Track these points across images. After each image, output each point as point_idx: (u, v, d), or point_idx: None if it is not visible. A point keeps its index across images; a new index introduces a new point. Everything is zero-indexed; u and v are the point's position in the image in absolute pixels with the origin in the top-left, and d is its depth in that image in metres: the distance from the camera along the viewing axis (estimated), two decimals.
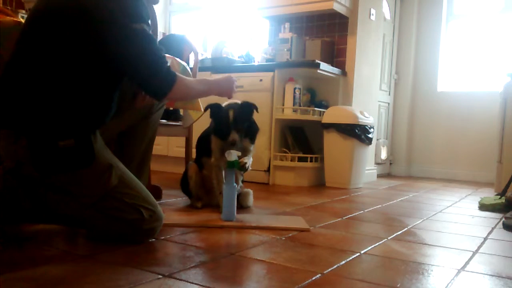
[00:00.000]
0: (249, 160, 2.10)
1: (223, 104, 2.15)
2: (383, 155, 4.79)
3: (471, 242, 1.79)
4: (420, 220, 2.22)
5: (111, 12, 1.40)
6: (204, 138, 2.30)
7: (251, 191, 2.40)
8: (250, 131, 2.17)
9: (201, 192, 2.33)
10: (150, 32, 1.47)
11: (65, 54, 1.41)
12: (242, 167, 2.03)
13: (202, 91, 1.75)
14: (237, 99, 2.18)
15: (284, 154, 3.55)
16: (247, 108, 2.13)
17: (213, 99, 1.97)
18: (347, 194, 3.13)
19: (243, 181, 2.42)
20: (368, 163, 3.95)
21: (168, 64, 1.52)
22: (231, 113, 2.05)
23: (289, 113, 3.55)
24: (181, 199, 2.49)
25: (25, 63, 1.43)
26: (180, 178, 2.43)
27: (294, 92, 3.53)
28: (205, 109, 2.17)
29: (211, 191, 2.28)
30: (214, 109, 2.14)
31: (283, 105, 3.56)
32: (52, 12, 1.43)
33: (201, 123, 2.64)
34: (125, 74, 1.53)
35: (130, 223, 1.47)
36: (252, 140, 2.19)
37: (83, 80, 1.44)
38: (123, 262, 1.28)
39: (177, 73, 1.54)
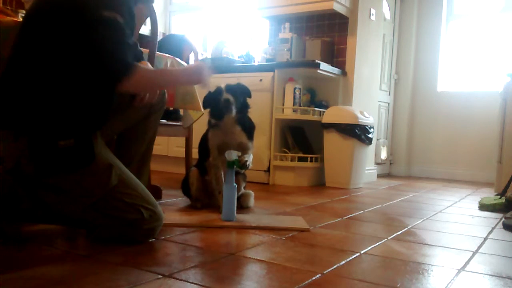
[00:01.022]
0: (249, 158, 2.09)
1: None
2: (383, 155, 4.79)
3: (471, 242, 1.79)
4: (420, 220, 2.22)
5: (90, 2, 1.40)
6: (206, 139, 2.29)
7: (252, 193, 2.40)
8: (247, 128, 2.16)
9: (203, 195, 2.32)
10: (122, 21, 1.43)
11: (61, 53, 1.40)
12: (243, 166, 2.02)
13: (166, 81, 1.65)
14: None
15: (284, 154, 3.55)
16: (241, 86, 2.17)
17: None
18: (347, 194, 3.13)
19: (245, 187, 2.41)
20: (368, 163, 3.95)
21: (166, 64, 1.50)
22: (224, 87, 2.09)
23: (289, 113, 3.55)
24: (181, 199, 2.49)
25: (24, 63, 1.43)
26: (181, 180, 2.42)
27: (294, 92, 3.53)
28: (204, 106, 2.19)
29: (213, 195, 2.27)
30: (207, 95, 2.15)
31: (283, 105, 3.56)
32: (46, 11, 1.43)
33: (201, 123, 2.64)
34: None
35: (130, 223, 1.47)
36: (250, 137, 2.18)
37: (80, 78, 1.43)
38: (123, 262, 1.28)
39: (141, 65, 1.49)
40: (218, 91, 2.10)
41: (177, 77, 1.67)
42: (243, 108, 2.16)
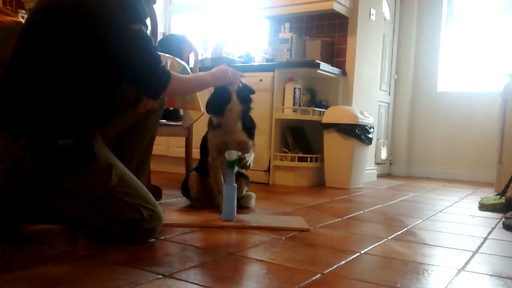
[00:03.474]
0: (250, 157, 2.08)
1: None
2: (383, 155, 4.79)
3: (471, 242, 1.79)
4: (420, 220, 2.22)
5: (111, 12, 1.40)
6: (206, 141, 2.28)
7: (253, 195, 2.39)
8: (248, 126, 2.15)
9: (203, 197, 2.31)
10: (147, 31, 1.49)
11: (65, 55, 1.41)
12: (243, 166, 2.02)
13: (198, 84, 1.80)
14: None
15: (284, 154, 3.55)
16: (246, 88, 2.16)
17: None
18: (347, 194, 3.13)
19: (247, 191, 2.41)
20: (368, 163, 3.95)
21: (166, 64, 1.53)
22: (231, 87, 2.07)
23: (289, 113, 3.55)
24: (181, 199, 2.49)
25: (25, 64, 1.43)
26: (181, 182, 2.41)
27: (294, 92, 3.53)
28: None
29: (213, 195, 2.27)
30: (216, 88, 2.14)
31: (283, 105, 3.56)
32: (52, 13, 1.43)
33: (201, 123, 2.64)
34: (123, 75, 1.53)
35: (130, 223, 1.47)
36: (251, 135, 2.16)
37: (83, 80, 1.44)
38: (123, 262, 1.28)
39: (171, 71, 1.56)
40: (226, 89, 2.10)
41: (206, 80, 1.80)
42: (246, 101, 2.13)
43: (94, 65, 1.44)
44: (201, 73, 1.84)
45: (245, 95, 2.12)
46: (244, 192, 2.35)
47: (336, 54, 3.99)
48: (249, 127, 2.17)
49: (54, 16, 1.42)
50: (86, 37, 1.40)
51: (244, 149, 2.09)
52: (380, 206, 2.66)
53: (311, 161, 3.54)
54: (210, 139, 2.17)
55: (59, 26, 1.41)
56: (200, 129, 2.48)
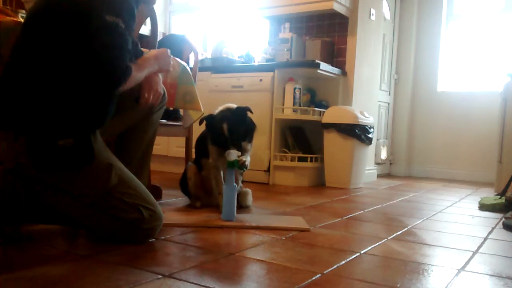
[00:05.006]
0: (247, 159, 2.09)
1: (216, 111, 2.12)
2: (383, 155, 4.79)
3: (471, 242, 1.79)
4: (420, 220, 2.22)
5: (94, 6, 1.39)
6: (203, 139, 2.30)
7: (250, 191, 2.40)
8: (248, 131, 2.15)
9: (201, 192, 2.33)
10: (125, 28, 1.42)
11: (62, 54, 1.40)
12: (242, 166, 2.02)
13: (143, 76, 1.61)
14: (233, 103, 2.17)
15: (284, 154, 3.55)
16: (241, 114, 2.10)
17: None
18: (347, 194, 3.13)
19: (243, 181, 2.42)
20: (368, 163, 3.95)
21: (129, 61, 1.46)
22: (225, 127, 2.01)
23: (289, 113, 3.55)
24: (181, 199, 2.49)
25: (23, 64, 1.43)
26: (180, 178, 2.43)
27: (294, 92, 3.53)
28: (200, 123, 2.15)
29: (210, 192, 2.28)
30: (209, 121, 2.11)
31: (283, 105, 3.56)
32: (48, 12, 1.43)
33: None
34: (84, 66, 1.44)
35: (130, 223, 1.47)
36: (250, 139, 2.18)
37: (82, 79, 1.43)
38: (123, 262, 1.28)
39: (132, 65, 1.46)
40: (219, 127, 2.03)
41: (153, 70, 1.65)
42: (247, 127, 2.12)
43: (90, 70, 1.42)
44: (149, 61, 1.64)
45: (242, 127, 2.08)
46: (240, 183, 2.35)
47: (336, 54, 3.99)
48: (250, 131, 2.16)
49: (48, 16, 1.42)
50: (80, 37, 1.39)
51: (244, 151, 2.09)
52: (380, 206, 2.66)
53: (311, 161, 3.54)
54: (211, 141, 2.17)
55: (55, 26, 1.40)
56: (200, 129, 2.48)
